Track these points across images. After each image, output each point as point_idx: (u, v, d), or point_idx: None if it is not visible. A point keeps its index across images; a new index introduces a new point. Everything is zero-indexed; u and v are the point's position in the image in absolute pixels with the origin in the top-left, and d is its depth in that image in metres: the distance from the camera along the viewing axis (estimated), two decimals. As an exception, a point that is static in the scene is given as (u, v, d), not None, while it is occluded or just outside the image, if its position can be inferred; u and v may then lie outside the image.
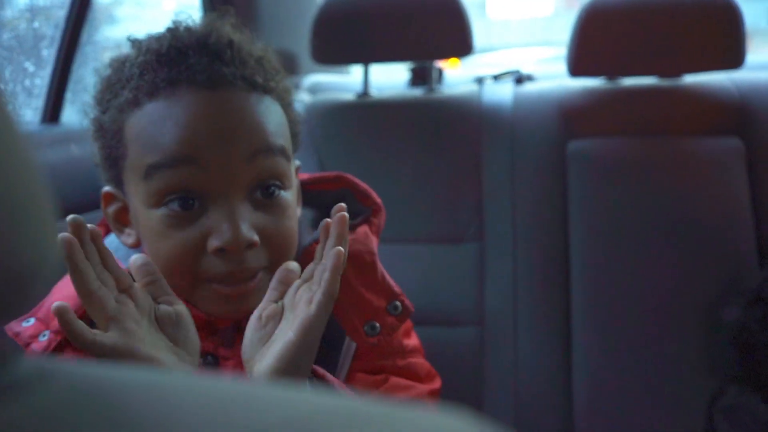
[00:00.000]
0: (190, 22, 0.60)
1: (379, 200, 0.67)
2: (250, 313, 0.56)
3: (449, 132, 1.17)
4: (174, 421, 0.16)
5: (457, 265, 1.11)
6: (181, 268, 0.55)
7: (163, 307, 0.54)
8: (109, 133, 0.57)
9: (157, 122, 0.54)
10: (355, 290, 0.62)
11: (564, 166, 1.12)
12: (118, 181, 0.60)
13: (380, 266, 0.64)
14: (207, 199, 0.54)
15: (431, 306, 1.11)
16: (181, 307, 0.55)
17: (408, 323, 0.69)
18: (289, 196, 0.59)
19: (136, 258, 0.55)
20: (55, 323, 0.59)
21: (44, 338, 0.56)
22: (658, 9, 1.08)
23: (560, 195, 1.11)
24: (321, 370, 0.55)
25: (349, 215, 0.63)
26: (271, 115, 0.58)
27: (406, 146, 1.17)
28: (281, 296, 0.55)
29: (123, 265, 0.64)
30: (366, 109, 1.22)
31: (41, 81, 1.08)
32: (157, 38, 0.58)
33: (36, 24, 1.18)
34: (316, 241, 0.60)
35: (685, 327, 1.03)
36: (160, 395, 0.18)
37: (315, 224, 0.65)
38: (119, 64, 0.58)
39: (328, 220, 0.54)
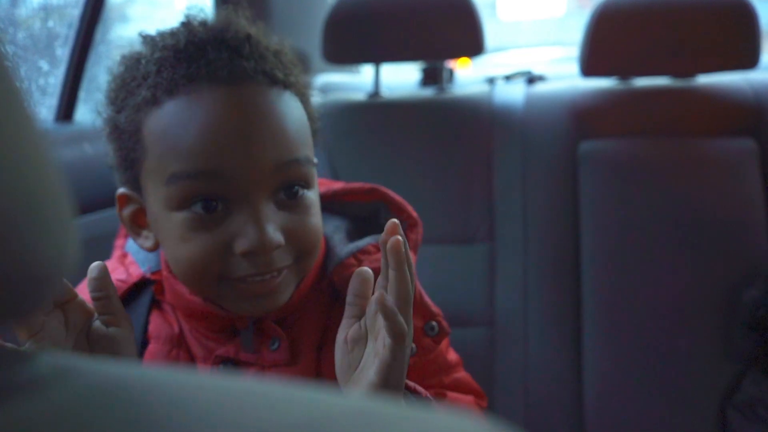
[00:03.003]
0: (203, 17, 0.58)
1: (415, 214, 0.64)
2: (273, 310, 0.56)
3: (460, 132, 1.17)
4: (192, 419, 0.16)
5: (467, 265, 1.11)
6: (205, 269, 0.54)
7: (97, 325, 0.52)
8: (125, 134, 0.55)
9: (178, 124, 0.52)
10: None
11: (575, 166, 1.11)
12: (134, 183, 0.58)
13: (418, 284, 0.61)
14: (231, 202, 0.53)
15: (442, 306, 1.10)
16: (117, 331, 0.52)
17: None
18: (313, 194, 0.57)
19: (92, 268, 0.52)
20: None
21: None
22: (672, 9, 1.07)
23: (571, 195, 1.10)
24: (411, 384, 0.53)
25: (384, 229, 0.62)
26: (294, 115, 0.56)
27: (416, 146, 1.17)
28: (361, 311, 0.52)
29: (141, 270, 0.63)
30: (377, 109, 1.22)
31: (55, 80, 1.09)
32: (172, 34, 0.56)
33: (50, 23, 1.19)
34: (353, 255, 0.59)
35: (697, 328, 1.03)
36: (179, 393, 0.18)
37: (350, 235, 0.63)
38: (133, 62, 0.56)
39: (386, 238, 0.49)
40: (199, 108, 0.52)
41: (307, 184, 0.56)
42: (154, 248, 0.59)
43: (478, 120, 1.17)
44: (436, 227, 1.13)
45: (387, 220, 0.61)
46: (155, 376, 0.19)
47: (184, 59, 0.53)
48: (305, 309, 0.61)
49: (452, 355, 0.68)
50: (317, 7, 1.47)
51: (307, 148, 0.56)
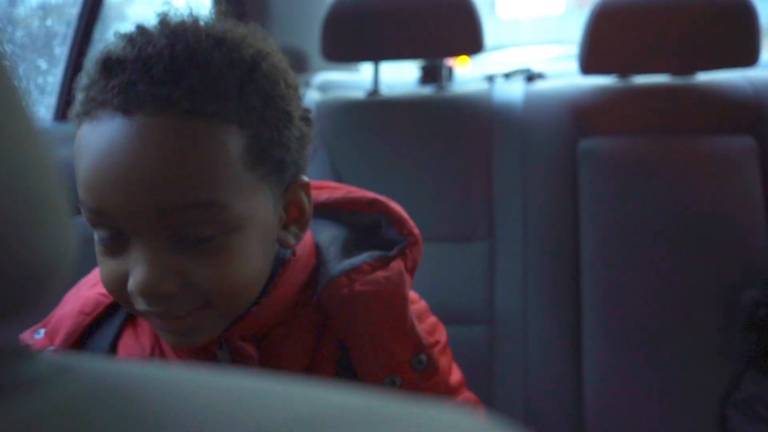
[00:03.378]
0: (172, 18, 0.50)
1: (416, 230, 0.60)
2: (199, 345, 0.51)
3: (460, 130, 1.17)
4: (192, 416, 0.16)
5: (467, 264, 1.11)
6: (117, 295, 0.50)
7: None
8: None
9: (79, 153, 0.49)
10: (379, 339, 0.55)
11: (575, 164, 1.11)
12: None
13: (411, 312, 0.57)
14: (129, 235, 0.48)
15: (441, 304, 1.11)
16: None
17: (448, 354, 0.64)
18: (238, 238, 0.49)
19: None
20: (57, 339, 0.58)
21: None
22: (671, 6, 1.07)
23: (571, 193, 1.10)
24: None
25: (384, 244, 0.58)
26: (201, 153, 0.46)
27: (416, 144, 1.17)
28: None
29: None
30: (376, 107, 1.22)
31: (53, 79, 1.09)
32: (114, 43, 0.49)
33: (49, 22, 1.19)
34: (346, 274, 0.55)
35: (699, 324, 1.03)
36: (178, 391, 0.18)
37: (347, 247, 0.59)
38: (85, 70, 0.50)
39: None
40: (93, 138, 0.47)
41: (226, 228, 0.48)
42: None
43: (477, 118, 1.17)
44: (436, 225, 1.13)
45: (388, 233, 0.59)
46: (155, 374, 0.19)
47: (99, 79, 0.48)
48: (292, 326, 0.56)
49: (455, 377, 0.63)
50: (316, 5, 1.47)
51: (214, 191, 0.47)
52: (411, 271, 0.59)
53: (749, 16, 1.05)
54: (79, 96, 0.49)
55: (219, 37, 0.49)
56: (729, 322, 1.01)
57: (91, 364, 0.19)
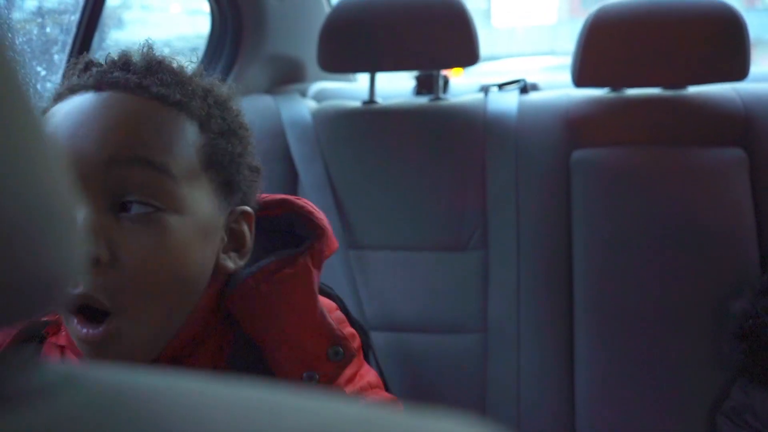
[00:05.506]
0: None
1: (323, 221, 0.58)
2: (113, 359, 0.48)
3: (454, 140, 1.18)
4: (200, 427, 0.17)
5: (460, 273, 1.12)
6: None
7: None
8: None
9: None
10: (290, 337, 0.54)
11: (568, 175, 1.12)
12: None
13: (320, 305, 0.56)
14: None
15: (435, 313, 1.11)
16: None
17: (361, 358, 0.61)
18: (176, 221, 0.48)
19: None
20: None
21: None
22: (663, 20, 1.09)
23: (564, 204, 1.11)
24: None
25: (297, 240, 0.57)
26: (164, 127, 0.49)
27: (411, 154, 1.17)
28: None
29: None
30: (371, 116, 1.22)
31: (52, 85, 1.09)
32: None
33: (47, 29, 1.19)
34: (254, 275, 0.54)
35: (690, 333, 1.04)
36: (186, 401, 0.18)
37: (261, 253, 0.57)
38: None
39: None
40: (63, 109, 0.49)
41: (165, 205, 0.48)
42: None
43: (471, 128, 1.18)
44: (430, 234, 1.14)
45: (301, 231, 0.58)
46: (163, 383, 0.19)
47: (80, 73, 0.51)
48: (202, 344, 0.54)
49: (368, 377, 0.61)
50: (313, 16, 1.48)
51: (166, 156, 0.48)
52: (318, 264, 0.57)
53: (740, 31, 1.07)
54: (56, 90, 0.52)
55: (196, 72, 0.55)
56: (719, 332, 1.02)
57: (100, 373, 0.20)
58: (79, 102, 0.49)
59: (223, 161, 0.53)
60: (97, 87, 0.49)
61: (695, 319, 1.04)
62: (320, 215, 0.59)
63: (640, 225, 1.07)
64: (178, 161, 0.49)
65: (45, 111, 0.51)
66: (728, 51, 1.08)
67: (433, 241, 1.13)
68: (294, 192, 1.19)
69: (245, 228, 0.56)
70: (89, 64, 0.52)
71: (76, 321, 0.48)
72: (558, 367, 1.07)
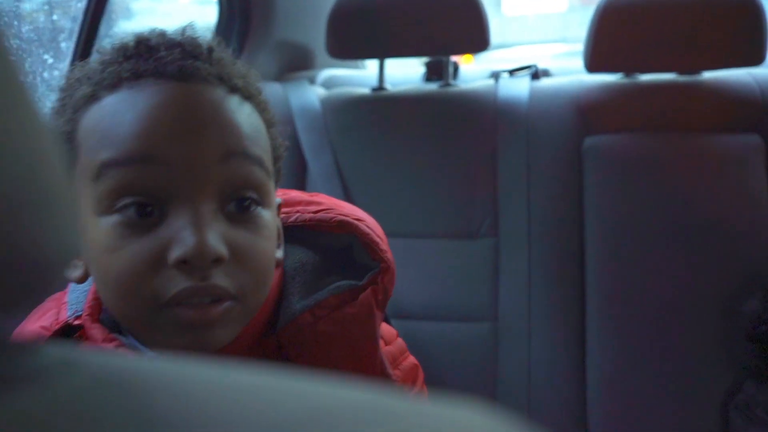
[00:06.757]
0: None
1: (388, 254, 0.55)
2: (211, 349, 0.46)
3: (464, 127, 1.17)
4: (198, 411, 0.16)
5: (471, 261, 1.11)
6: (136, 287, 0.44)
7: None
8: (62, 138, 0.48)
9: (113, 114, 0.45)
10: (340, 374, 0.50)
11: (580, 161, 1.11)
12: None
13: (381, 354, 0.53)
14: (168, 205, 0.45)
15: (445, 301, 1.11)
16: None
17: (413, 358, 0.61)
18: (268, 215, 0.49)
19: None
20: None
21: None
22: (677, 4, 1.07)
23: (576, 191, 1.10)
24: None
25: (358, 270, 0.54)
26: (251, 120, 0.49)
27: (420, 141, 1.17)
28: None
29: (68, 312, 0.53)
30: (381, 103, 1.22)
31: (59, 73, 1.09)
32: (124, 39, 0.50)
33: (54, 17, 1.19)
34: (310, 311, 0.51)
35: (702, 324, 1.03)
36: (184, 386, 0.18)
37: (318, 275, 0.54)
38: (80, 67, 0.50)
39: None
40: (140, 98, 0.46)
41: (261, 200, 0.48)
42: (83, 279, 0.50)
43: (482, 114, 1.17)
44: (440, 222, 1.13)
45: (360, 257, 0.55)
46: (161, 368, 0.19)
47: (132, 56, 0.48)
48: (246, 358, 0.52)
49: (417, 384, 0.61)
50: (322, 2, 1.47)
51: (262, 152, 0.49)
52: (382, 304, 0.54)
53: (756, 15, 1.05)
54: (89, 80, 0.48)
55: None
56: (730, 326, 1.01)
57: (97, 357, 0.19)
58: (165, 92, 0.46)
59: (278, 152, 0.53)
60: (178, 78, 0.46)
61: (708, 309, 1.02)
62: (386, 247, 0.55)
63: (652, 213, 1.06)
64: (266, 152, 0.50)
65: (93, 98, 0.47)
66: (744, 35, 1.06)
67: (443, 228, 1.13)
68: (303, 181, 1.19)
69: (278, 219, 0.54)
70: (141, 47, 0.48)
71: (176, 307, 0.45)
72: (568, 356, 1.06)
